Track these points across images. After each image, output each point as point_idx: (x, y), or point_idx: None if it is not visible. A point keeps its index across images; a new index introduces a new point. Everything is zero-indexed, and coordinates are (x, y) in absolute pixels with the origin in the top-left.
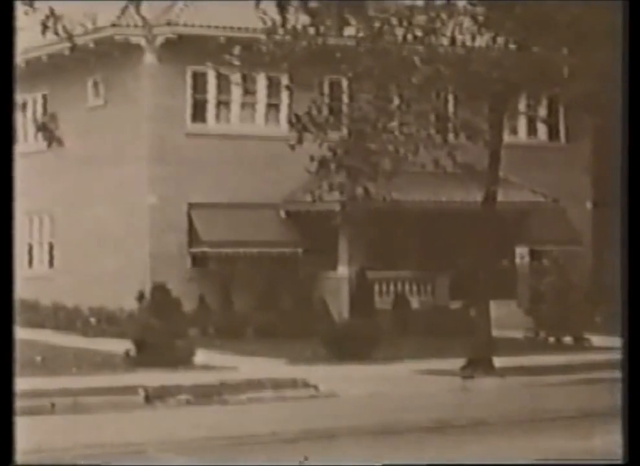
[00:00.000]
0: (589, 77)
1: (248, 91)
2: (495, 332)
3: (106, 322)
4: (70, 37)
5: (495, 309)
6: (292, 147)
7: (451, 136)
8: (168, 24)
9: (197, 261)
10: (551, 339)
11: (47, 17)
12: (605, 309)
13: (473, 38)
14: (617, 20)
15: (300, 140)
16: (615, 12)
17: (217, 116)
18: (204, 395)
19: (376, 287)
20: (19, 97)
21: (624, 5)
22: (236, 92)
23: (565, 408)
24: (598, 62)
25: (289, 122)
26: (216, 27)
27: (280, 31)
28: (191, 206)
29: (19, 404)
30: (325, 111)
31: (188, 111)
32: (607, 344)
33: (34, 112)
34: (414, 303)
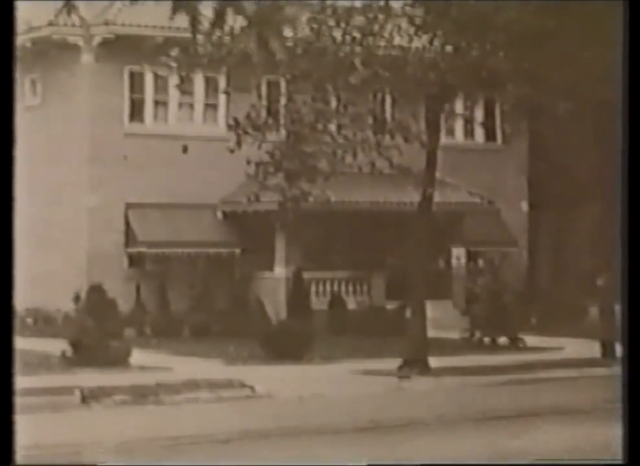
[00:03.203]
0: (524, 80)
1: (185, 91)
2: (431, 333)
3: (43, 323)
4: None
5: (432, 309)
6: (231, 151)
7: (387, 138)
8: (106, 24)
9: (134, 261)
10: (486, 339)
11: None
12: (539, 309)
13: (411, 40)
14: (552, 23)
15: (239, 144)
16: (550, 14)
17: (155, 116)
18: (140, 395)
19: (313, 288)
20: None
21: (625, 5)
22: (174, 92)
23: (499, 408)
24: (533, 65)
25: (228, 126)
26: (154, 27)
27: (218, 32)
28: (128, 206)
29: None
30: (263, 113)
31: (126, 111)
32: (542, 344)
33: None
34: (351, 303)
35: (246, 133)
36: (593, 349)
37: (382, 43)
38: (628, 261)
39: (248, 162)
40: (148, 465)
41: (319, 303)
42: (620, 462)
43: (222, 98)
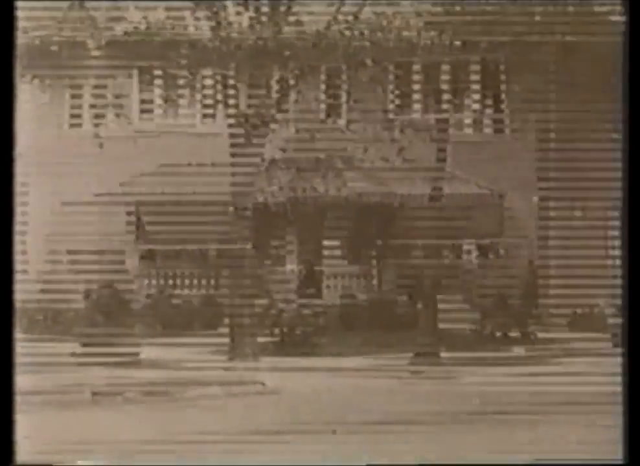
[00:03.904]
0: (529, 75)
1: (194, 88)
2: (442, 326)
3: (52, 320)
4: None
5: (442, 302)
6: (240, 146)
7: (397, 132)
8: (114, 21)
9: (145, 257)
10: (498, 333)
11: None
12: (549, 302)
13: (419, 34)
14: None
15: (248, 139)
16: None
17: (165, 113)
18: (150, 392)
19: (324, 282)
20: None
21: (624, 5)
22: (183, 89)
23: (508, 402)
24: (541, 57)
25: (237, 121)
26: (163, 24)
27: (227, 27)
28: (139, 202)
29: None
30: (273, 109)
31: (135, 109)
32: (552, 337)
33: None
34: (362, 297)
35: (255, 128)
36: (601, 343)
37: (391, 38)
38: (628, 256)
39: (262, 160)
40: (152, 464)
41: (330, 297)
42: (620, 462)
43: (231, 94)
